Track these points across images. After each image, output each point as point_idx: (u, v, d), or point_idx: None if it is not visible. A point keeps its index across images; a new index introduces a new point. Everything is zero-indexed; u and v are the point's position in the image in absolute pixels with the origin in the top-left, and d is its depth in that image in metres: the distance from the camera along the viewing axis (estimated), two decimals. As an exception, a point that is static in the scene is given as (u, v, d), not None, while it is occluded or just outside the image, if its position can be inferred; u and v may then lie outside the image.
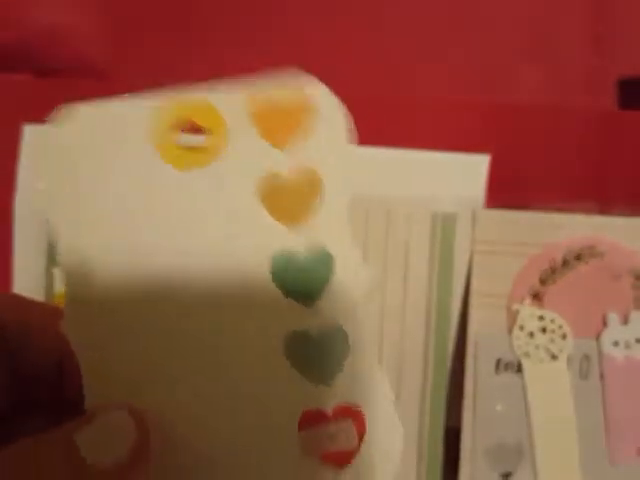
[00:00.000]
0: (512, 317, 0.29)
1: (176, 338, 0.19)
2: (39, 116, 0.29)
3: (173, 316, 0.19)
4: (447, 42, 0.31)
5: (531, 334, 0.29)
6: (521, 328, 0.29)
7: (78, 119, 0.19)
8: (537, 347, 0.28)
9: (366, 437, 0.20)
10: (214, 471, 0.20)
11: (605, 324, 0.28)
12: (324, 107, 0.20)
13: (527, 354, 0.28)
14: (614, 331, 0.28)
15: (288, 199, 0.20)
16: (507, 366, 0.29)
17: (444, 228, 0.29)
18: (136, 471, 0.18)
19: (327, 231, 0.20)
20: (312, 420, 0.19)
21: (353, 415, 0.20)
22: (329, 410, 0.19)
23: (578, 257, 0.29)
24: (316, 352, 0.20)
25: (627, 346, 0.28)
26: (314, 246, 0.20)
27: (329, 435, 0.19)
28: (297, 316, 0.19)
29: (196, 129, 0.20)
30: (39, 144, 0.30)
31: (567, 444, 0.28)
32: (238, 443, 0.19)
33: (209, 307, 0.20)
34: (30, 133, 0.30)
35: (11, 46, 0.30)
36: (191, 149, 0.20)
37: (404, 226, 0.29)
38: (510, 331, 0.29)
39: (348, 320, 0.20)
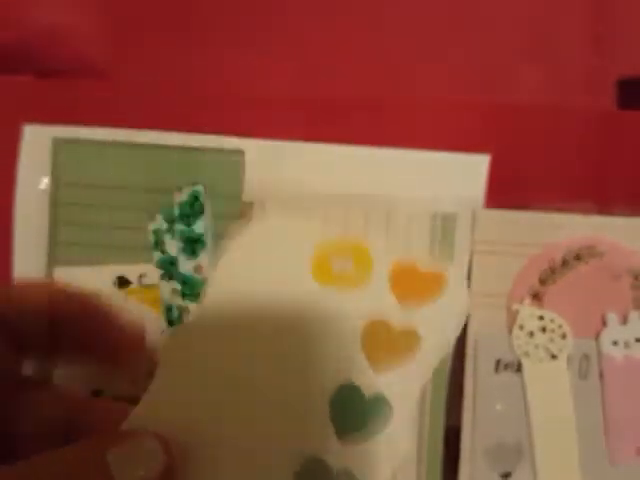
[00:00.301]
0: (512, 317, 0.29)
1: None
2: (39, 116, 0.30)
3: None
4: (447, 42, 0.31)
5: (531, 334, 0.29)
6: (521, 328, 0.29)
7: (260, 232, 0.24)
8: (537, 347, 0.29)
9: None
10: None
11: (605, 324, 0.29)
12: (453, 285, 0.24)
13: (527, 354, 0.29)
14: (613, 331, 0.28)
15: (387, 346, 0.23)
16: (507, 366, 0.29)
17: (444, 228, 0.29)
18: None
19: (397, 389, 0.22)
20: None
21: None
22: None
23: (578, 257, 0.29)
24: None
25: (626, 345, 0.28)
26: (381, 395, 0.22)
27: None
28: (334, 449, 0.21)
29: (348, 264, 0.23)
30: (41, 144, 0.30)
31: (567, 444, 0.28)
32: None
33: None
34: (30, 133, 0.30)
35: (11, 46, 0.30)
36: (339, 277, 0.23)
37: (404, 226, 0.29)
38: (510, 331, 0.29)
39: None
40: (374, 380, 0.22)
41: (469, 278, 0.29)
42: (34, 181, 0.30)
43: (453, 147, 0.29)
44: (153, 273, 0.29)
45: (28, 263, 0.29)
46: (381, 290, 0.23)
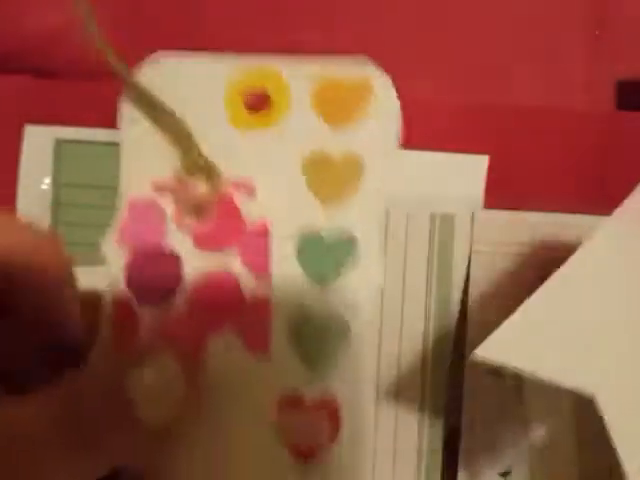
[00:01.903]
0: (511, 317, 0.29)
1: None
2: (40, 116, 0.30)
3: None
4: (447, 42, 0.31)
5: (530, 333, 0.29)
6: (520, 328, 0.29)
7: (163, 68, 0.22)
8: (536, 346, 0.29)
9: (339, 435, 0.20)
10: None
11: (603, 323, 0.29)
12: (380, 94, 0.21)
13: (526, 353, 0.29)
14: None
15: (330, 179, 0.21)
16: (506, 365, 0.29)
17: (443, 228, 0.29)
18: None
19: (358, 219, 0.21)
20: (290, 405, 0.20)
21: (330, 410, 0.20)
22: (308, 398, 0.20)
23: (577, 257, 0.29)
24: (314, 333, 0.20)
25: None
26: (342, 230, 0.21)
27: (302, 425, 0.20)
28: (308, 293, 0.20)
29: (263, 96, 0.22)
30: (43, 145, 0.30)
31: (565, 443, 0.28)
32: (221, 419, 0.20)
33: None
34: (31, 134, 0.30)
35: (11, 46, 0.30)
36: (255, 113, 0.22)
37: (403, 226, 0.29)
38: (509, 331, 0.29)
39: (353, 314, 0.20)
40: (331, 218, 0.22)
41: (468, 278, 0.29)
42: (35, 181, 0.30)
43: (452, 147, 0.29)
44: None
45: (29, 263, 0.30)
46: (306, 115, 0.22)
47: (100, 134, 0.29)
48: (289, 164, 0.21)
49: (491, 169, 0.29)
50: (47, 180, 0.30)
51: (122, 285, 0.22)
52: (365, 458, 0.22)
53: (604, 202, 0.30)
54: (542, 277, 0.29)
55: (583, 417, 0.28)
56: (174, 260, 0.22)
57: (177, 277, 0.22)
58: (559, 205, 0.29)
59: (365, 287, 0.21)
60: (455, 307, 0.29)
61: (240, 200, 0.22)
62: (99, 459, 0.17)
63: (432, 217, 0.29)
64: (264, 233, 0.22)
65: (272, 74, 0.22)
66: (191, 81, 0.22)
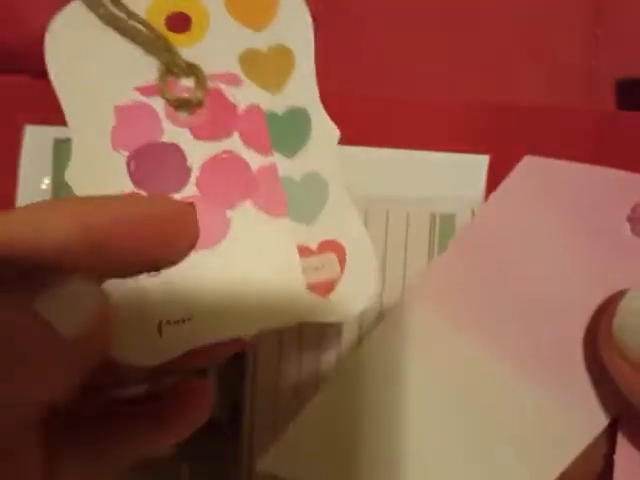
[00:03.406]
0: (511, 317, 0.29)
1: None
2: (39, 117, 0.30)
3: None
4: (447, 42, 0.31)
5: (530, 333, 0.29)
6: (520, 328, 0.29)
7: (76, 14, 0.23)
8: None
9: (346, 266, 0.23)
10: None
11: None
12: None
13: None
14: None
15: (266, 69, 0.24)
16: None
17: (443, 228, 0.29)
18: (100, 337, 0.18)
19: (301, 94, 0.24)
20: (300, 254, 0.23)
21: (335, 248, 0.23)
22: (314, 245, 0.23)
23: (577, 257, 0.29)
24: (300, 195, 0.23)
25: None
26: (292, 106, 0.24)
27: (314, 266, 0.23)
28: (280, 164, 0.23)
29: (183, 17, 0.23)
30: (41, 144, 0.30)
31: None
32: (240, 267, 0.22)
33: None
34: (31, 134, 0.30)
35: (11, 46, 0.30)
36: (181, 34, 0.23)
37: (403, 226, 0.29)
38: (509, 331, 0.29)
39: (326, 169, 0.24)
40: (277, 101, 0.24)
41: (468, 278, 0.29)
42: (35, 181, 0.30)
43: (452, 147, 0.29)
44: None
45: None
46: (227, 25, 0.24)
47: (100, 134, 0.29)
48: (226, 65, 0.24)
49: (491, 169, 0.29)
50: (47, 180, 0.30)
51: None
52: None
53: (604, 202, 0.30)
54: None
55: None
56: (178, 151, 0.23)
57: (184, 168, 0.23)
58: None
59: (328, 146, 0.24)
60: (455, 307, 0.29)
61: (228, 90, 0.23)
62: (26, 381, 0.16)
63: (432, 217, 0.29)
64: (258, 114, 0.23)
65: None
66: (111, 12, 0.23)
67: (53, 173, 0.30)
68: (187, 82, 0.23)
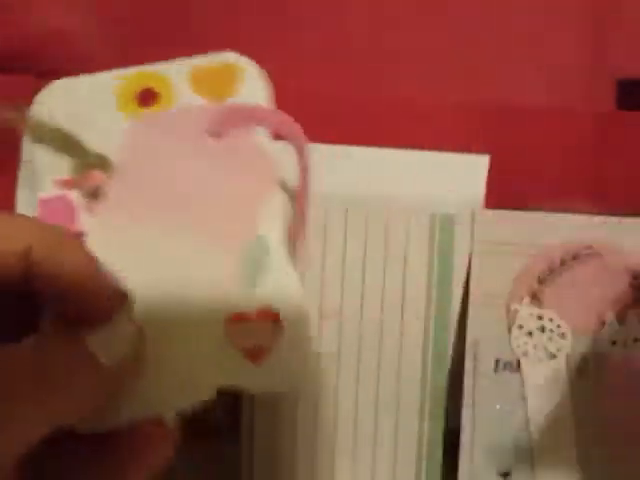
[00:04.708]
0: (511, 317, 0.29)
1: None
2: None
3: None
4: (447, 42, 0.31)
5: (530, 333, 0.29)
6: (520, 328, 0.29)
7: (57, 93, 0.26)
8: (535, 346, 0.29)
9: (282, 336, 0.23)
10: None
11: (603, 323, 0.29)
12: (248, 71, 0.26)
13: (525, 353, 0.29)
14: (612, 330, 0.29)
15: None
16: (506, 365, 0.29)
17: (443, 228, 0.29)
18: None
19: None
20: (239, 318, 0.23)
21: (272, 317, 0.23)
22: (253, 312, 0.23)
23: (576, 257, 0.29)
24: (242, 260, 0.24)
25: (625, 345, 0.29)
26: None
27: (250, 331, 0.23)
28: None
29: (151, 94, 0.26)
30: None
31: (565, 443, 0.28)
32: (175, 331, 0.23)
33: None
34: (31, 134, 0.30)
35: (11, 46, 0.30)
36: (149, 107, 0.25)
37: (403, 226, 0.29)
38: (509, 331, 0.29)
39: (270, 234, 0.24)
40: None
41: (468, 278, 0.29)
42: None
43: (452, 147, 0.29)
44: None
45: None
46: (191, 99, 0.26)
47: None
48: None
49: (491, 169, 0.29)
50: (47, 180, 0.30)
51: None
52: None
53: (604, 202, 0.30)
54: (541, 277, 0.29)
55: (583, 417, 0.28)
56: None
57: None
58: (559, 205, 0.29)
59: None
60: (455, 307, 0.29)
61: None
62: (66, 401, 0.18)
63: (432, 217, 0.29)
64: None
65: (151, 74, 0.26)
66: (84, 98, 0.26)
67: (53, 173, 0.30)
68: (98, 172, 0.25)
